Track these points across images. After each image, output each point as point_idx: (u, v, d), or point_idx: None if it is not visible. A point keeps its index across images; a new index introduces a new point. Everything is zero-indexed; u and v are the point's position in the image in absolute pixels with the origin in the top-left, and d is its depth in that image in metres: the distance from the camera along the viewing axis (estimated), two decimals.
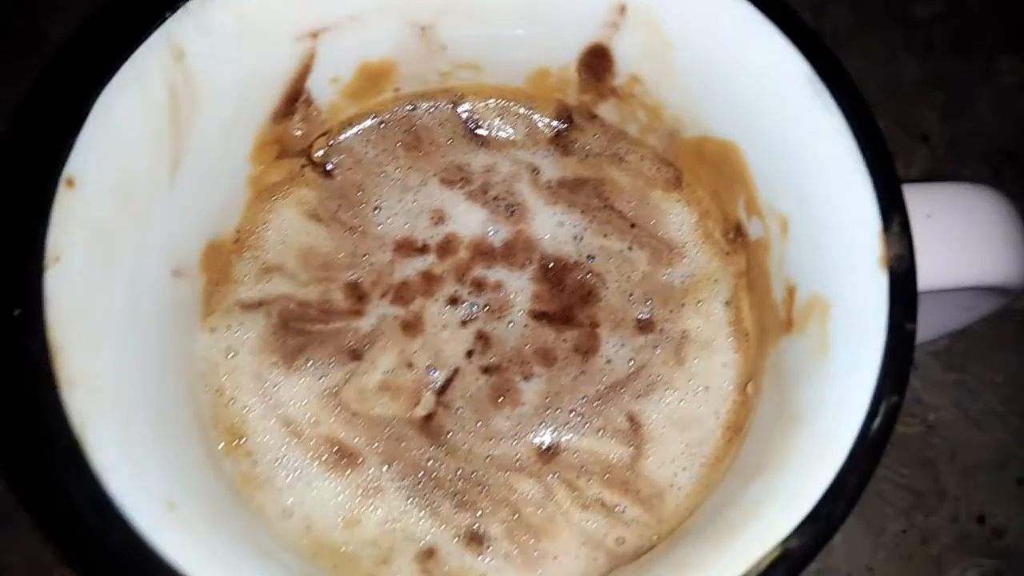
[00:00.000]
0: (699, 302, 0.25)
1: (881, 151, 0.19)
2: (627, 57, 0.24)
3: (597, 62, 0.24)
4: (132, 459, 0.16)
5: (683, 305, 0.25)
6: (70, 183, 0.18)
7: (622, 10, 0.22)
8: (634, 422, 0.24)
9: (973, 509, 0.34)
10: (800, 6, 0.41)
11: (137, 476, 0.16)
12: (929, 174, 0.39)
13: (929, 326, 0.27)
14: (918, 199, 0.21)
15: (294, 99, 0.23)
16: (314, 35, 0.22)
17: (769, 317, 0.22)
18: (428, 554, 0.22)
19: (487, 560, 0.22)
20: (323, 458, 0.23)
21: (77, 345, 0.17)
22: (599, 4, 0.23)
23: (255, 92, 0.22)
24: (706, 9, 0.21)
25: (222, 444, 0.22)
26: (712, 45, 0.21)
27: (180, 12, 0.19)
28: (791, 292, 0.21)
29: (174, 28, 0.19)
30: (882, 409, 0.16)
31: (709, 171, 0.24)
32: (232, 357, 0.23)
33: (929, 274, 0.20)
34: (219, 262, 0.24)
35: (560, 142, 0.27)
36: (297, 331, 0.24)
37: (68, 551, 0.29)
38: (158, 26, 0.19)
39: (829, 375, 0.18)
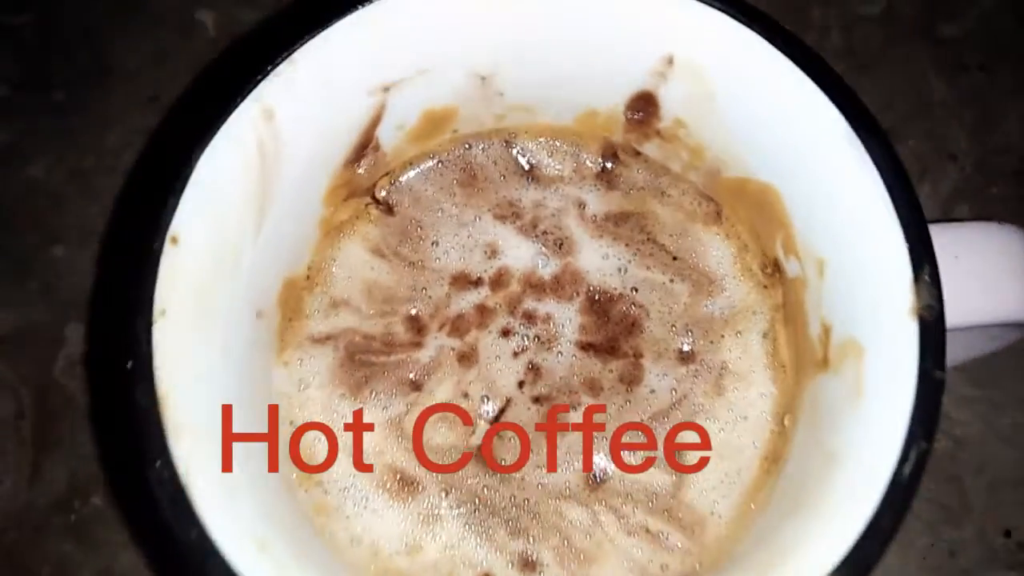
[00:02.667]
0: (738, 333, 0.26)
1: (913, 205, 0.20)
2: (672, 103, 0.25)
3: (644, 106, 0.26)
4: (230, 500, 0.18)
5: (723, 336, 0.26)
6: (174, 241, 0.19)
7: (670, 61, 0.24)
8: (677, 451, 0.25)
9: (999, 523, 0.35)
10: (830, 25, 0.42)
11: (233, 517, 0.17)
12: (958, 192, 0.40)
13: (956, 353, 0.28)
14: (946, 241, 0.22)
15: (365, 146, 0.25)
16: (385, 89, 0.24)
17: (806, 353, 0.24)
18: None
19: None
20: (388, 487, 0.25)
21: (181, 393, 0.18)
22: (648, 55, 0.24)
23: (332, 142, 0.24)
24: (750, 63, 0.22)
25: (295, 474, 0.24)
26: (755, 97, 0.23)
27: (271, 75, 0.21)
28: (827, 331, 0.22)
29: (265, 90, 0.21)
30: (912, 455, 0.18)
31: (749, 209, 0.26)
32: (303, 390, 0.25)
33: (957, 312, 0.21)
34: (293, 299, 0.25)
35: (606, 177, 0.28)
36: (362, 363, 0.26)
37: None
38: (251, 90, 0.21)
39: (863, 419, 0.19)
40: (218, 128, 0.20)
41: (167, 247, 0.19)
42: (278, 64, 0.21)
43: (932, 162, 0.41)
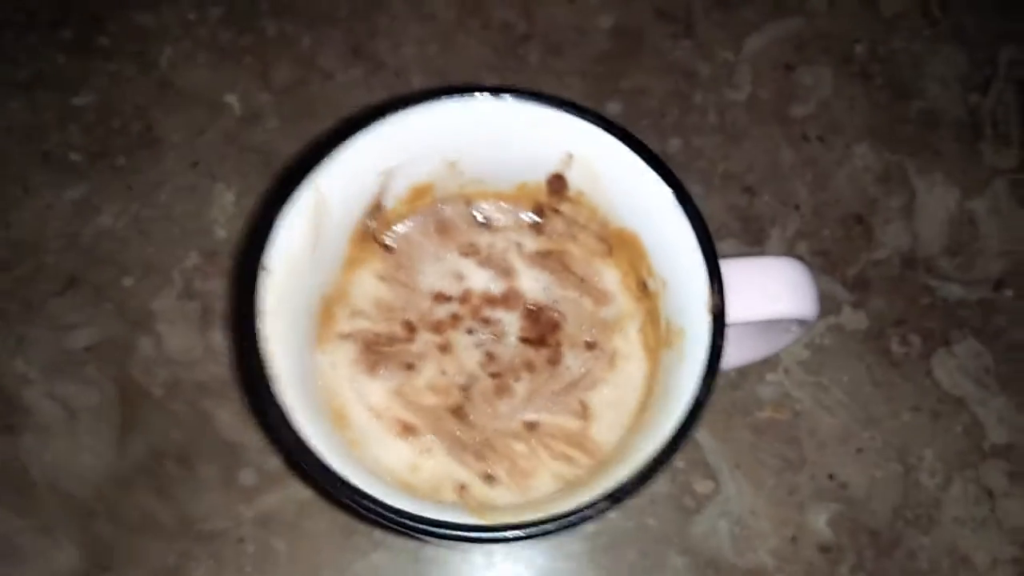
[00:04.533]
0: (622, 329, 0.40)
1: (709, 244, 0.33)
2: (575, 180, 0.38)
3: (558, 181, 0.39)
4: (308, 420, 0.30)
5: (614, 332, 0.40)
6: (265, 269, 0.32)
7: (570, 157, 0.37)
8: (584, 406, 0.38)
9: (826, 470, 0.46)
10: (708, 107, 0.55)
11: (311, 429, 0.30)
12: (799, 234, 0.54)
13: (753, 350, 0.42)
14: (741, 267, 0.36)
15: (376, 208, 0.38)
16: (386, 173, 0.37)
17: (660, 339, 0.37)
18: (462, 488, 0.36)
19: (497, 491, 0.37)
20: (394, 430, 0.37)
21: (276, 358, 0.31)
22: (556, 152, 0.37)
23: (354, 206, 0.36)
24: (617, 159, 0.36)
25: (334, 422, 0.36)
26: (621, 177, 0.36)
27: (318, 168, 0.34)
28: (668, 324, 0.36)
29: (316, 178, 0.34)
30: (704, 387, 0.31)
31: (626, 247, 0.39)
32: (335, 368, 0.38)
33: (747, 310, 0.35)
34: (327, 308, 0.38)
35: (537, 227, 0.42)
36: (374, 351, 0.38)
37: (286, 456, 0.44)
38: (308, 177, 0.34)
39: (683, 372, 0.33)
40: (291, 203, 0.33)
41: (262, 273, 0.32)
42: (324, 161, 0.34)
43: (781, 211, 0.53)
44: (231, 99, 0.53)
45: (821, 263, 0.51)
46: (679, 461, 0.48)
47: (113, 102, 0.51)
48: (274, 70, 0.54)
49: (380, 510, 0.29)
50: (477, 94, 0.35)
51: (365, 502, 0.29)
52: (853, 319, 0.50)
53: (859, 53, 0.56)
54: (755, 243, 0.51)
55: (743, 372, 0.49)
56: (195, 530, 0.44)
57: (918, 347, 0.49)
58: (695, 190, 0.54)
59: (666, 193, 0.34)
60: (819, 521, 0.46)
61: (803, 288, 0.36)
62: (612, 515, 0.46)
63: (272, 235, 0.32)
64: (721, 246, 0.52)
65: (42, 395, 0.46)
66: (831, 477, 0.47)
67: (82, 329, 0.48)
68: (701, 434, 0.48)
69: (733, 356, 0.43)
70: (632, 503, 0.46)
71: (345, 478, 0.29)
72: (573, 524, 0.30)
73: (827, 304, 0.49)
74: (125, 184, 0.50)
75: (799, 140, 0.53)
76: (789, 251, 0.52)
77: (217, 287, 0.48)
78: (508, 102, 0.35)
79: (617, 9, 0.57)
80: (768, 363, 0.49)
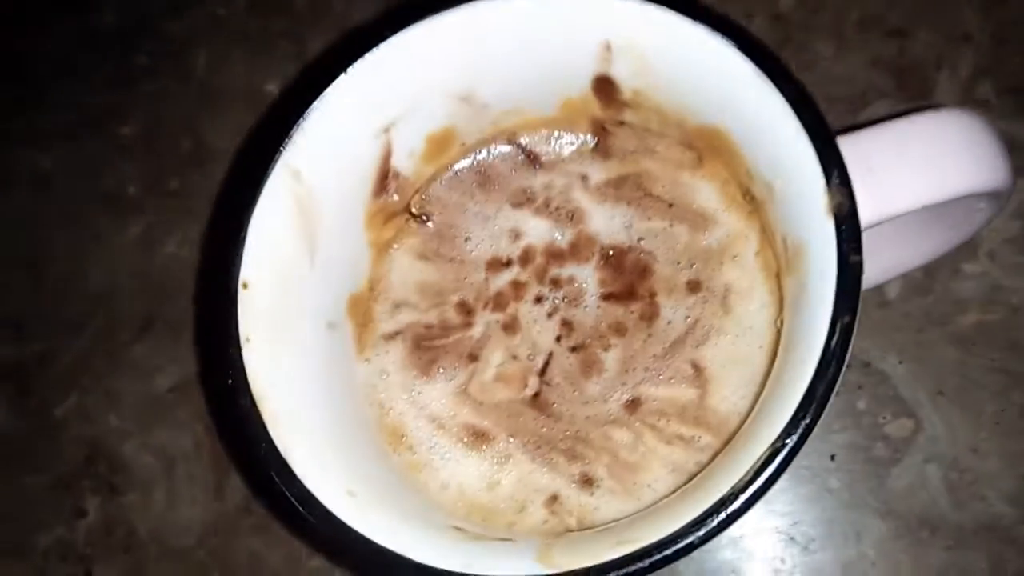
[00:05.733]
0: (734, 257, 0.30)
1: (818, 123, 0.23)
2: (624, 79, 0.29)
3: (605, 86, 0.30)
4: (321, 466, 0.24)
5: (722, 263, 0.30)
6: (245, 286, 0.26)
7: (608, 47, 0.28)
8: (697, 368, 0.29)
9: None
10: None
11: (326, 477, 0.23)
12: (977, 70, 0.41)
13: (931, 245, 0.30)
14: (883, 138, 0.25)
15: (385, 177, 0.30)
16: (386, 130, 0.29)
17: (780, 263, 0.27)
18: (553, 499, 0.29)
19: (597, 496, 0.29)
20: (464, 440, 0.30)
21: (273, 394, 0.25)
22: (590, 45, 0.28)
23: (355, 182, 0.29)
24: (671, 34, 0.26)
25: (388, 443, 0.30)
26: (681, 60, 0.26)
27: (290, 145, 0.27)
28: (784, 241, 0.26)
29: (288, 157, 0.27)
30: (838, 329, 0.21)
31: (716, 150, 0.29)
32: (385, 377, 0.31)
33: (897, 199, 0.24)
34: (361, 309, 0.31)
35: (601, 150, 0.33)
36: (427, 348, 0.32)
37: (294, 530, 0.39)
38: (277, 159, 0.27)
39: (806, 305, 0.23)
40: (259, 195, 0.26)
41: (241, 291, 0.25)
42: (293, 134, 0.27)
43: (946, 49, 0.41)
44: (272, 88, 0.49)
45: (1013, 103, 0.38)
46: (860, 400, 0.37)
47: (160, 123, 0.49)
48: (310, 45, 0.49)
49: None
50: None
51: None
52: None
53: None
54: (919, 97, 0.41)
55: (930, 269, 0.38)
56: (306, 567, 0.40)
57: None
58: (824, 50, 0.42)
59: (743, 65, 0.24)
60: None
61: (979, 147, 0.25)
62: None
63: (242, 244, 0.26)
64: (872, 112, 0.41)
65: (138, 447, 0.44)
66: None
67: (164, 370, 0.45)
68: (886, 361, 0.38)
69: (899, 260, 0.32)
70: (800, 463, 0.36)
71: (378, 547, 0.22)
72: (688, 548, 0.22)
73: None
74: (182, 208, 0.48)
75: None
76: (967, 98, 0.41)
77: None
78: None
79: None
80: (963, 250, 0.37)
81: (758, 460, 0.21)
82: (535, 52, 0.29)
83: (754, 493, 0.21)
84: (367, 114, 0.28)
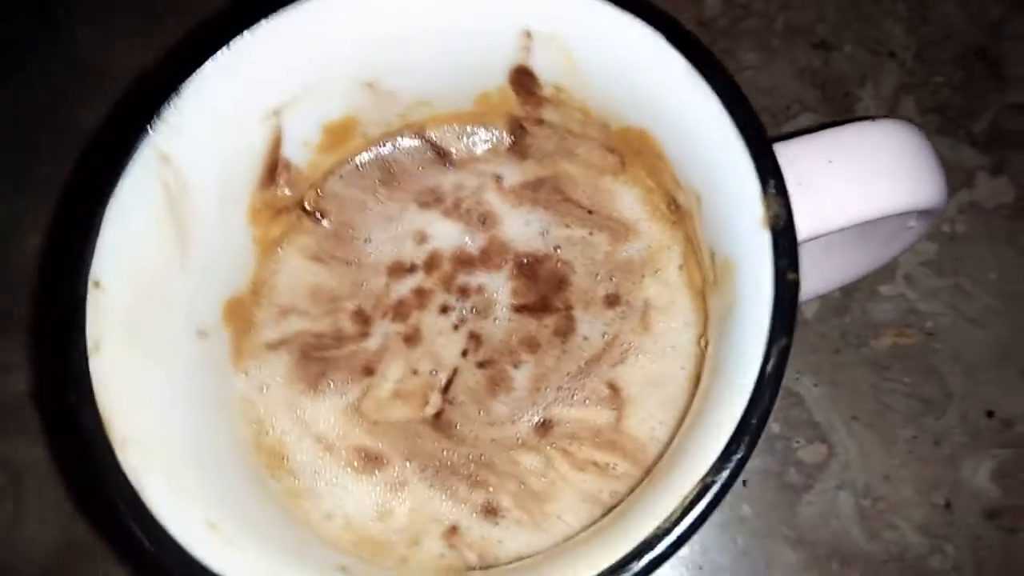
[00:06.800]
0: (657, 271, 0.28)
1: (754, 126, 0.21)
2: (545, 72, 0.26)
3: (524, 79, 0.27)
4: (178, 494, 0.20)
5: (643, 276, 0.28)
6: (96, 285, 0.22)
7: (528, 35, 0.25)
8: (614, 388, 0.27)
9: (981, 405, 0.36)
10: None
11: (182, 506, 0.20)
12: (900, 87, 0.40)
13: (855, 263, 0.29)
14: (817, 148, 0.23)
15: (273, 168, 0.27)
16: (276, 113, 0.26)
17: (706, 279, 0.25)
18: (452, 531, 0.26)
19: (502, 528, 0.26)
20: (354, 464, 0.27)
21: (124, 413, 0.21)
22: (508, 33, 0.25)
23: (238, 171, 0.26)
24: (596, 23, 0.24)
25: (266, 466, 0.26)
26: (606, 52, 0.24)
27: (159, 124, 0.23)
28: (712, 255, 0.24)
29: (157, 138, 0.23)
30: (774, 353, 0.19)
31: (640, 154, 0.27)
32: (266, 391, 0.28)
33: (830, 214, 0.22)
34: (241, 314, 0.28)
35: (517, 149, 0.30)
36: (316, 359, 0.28)
37: (141, 570, 0.35)
38: (143, 140, 0.23)
39: (736, 327, 0.21)
40: (118, 179, 0.22)
41: (91, 291, 0.21)
42: (163, 113, 0.23)
43: (871, 63, 0.40)
44: None
45: (937, 122, 0.38)
46: (774, 423, 0.36)
47: (33, 100, 0.45)
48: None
49: None
50: None
51: None
52: (992, 189, 0.37)
53: None
54: (842, 112, 0.40)
55: (848, 289, 0.37)
56: None
57: None
58: (749, 59, 0.41)
59: (674, 60, 0.22)
60: (980, 476, 0.35)
61: (918, 161, 0.23)
62: None
63: (95, 237, 0.22)
64: (795, 125, 0.39)
65: None
66: (990, 414, 0.36)
67: (20, 371, 0.40)
68: (801, 383, 0.36)
69: (822, 279, 0.30)
70: None
71: None
72: None
73: (954, 176, 0.37)
74: (55, 195, 0.43)
75: None
76: (890, 115, 0.39)
77: None
78: None
79: None
80: (881, 271, 0.36)
81: (685, 498, 0.19)
82: (447, 37, 0.26)
83: (680, 536, 0.19)
84: (253, 93, 0.25)
